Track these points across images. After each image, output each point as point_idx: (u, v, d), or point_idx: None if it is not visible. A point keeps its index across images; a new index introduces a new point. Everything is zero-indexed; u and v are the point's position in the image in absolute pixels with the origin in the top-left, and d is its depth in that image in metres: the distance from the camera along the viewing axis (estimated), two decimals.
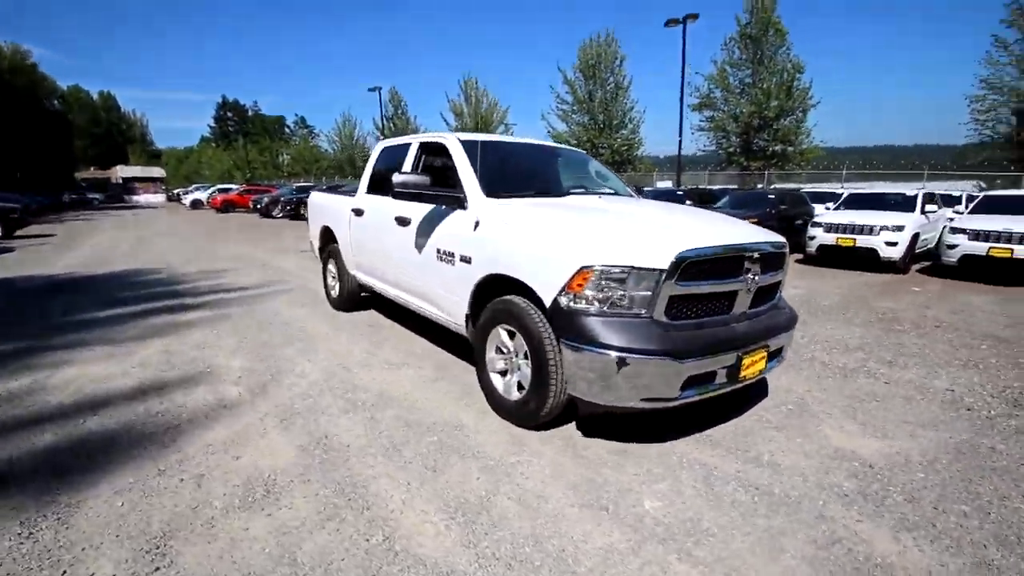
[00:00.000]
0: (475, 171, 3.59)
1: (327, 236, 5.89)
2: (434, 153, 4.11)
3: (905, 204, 9.95)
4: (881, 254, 8.80)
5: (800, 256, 9.91)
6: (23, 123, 38.19)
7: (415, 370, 3.98)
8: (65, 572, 1.87)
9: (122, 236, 15.44)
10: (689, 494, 2.40)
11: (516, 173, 4.12)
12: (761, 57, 24.26)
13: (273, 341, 4.68)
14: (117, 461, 2.63)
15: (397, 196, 4.05)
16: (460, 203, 3.52)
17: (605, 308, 2.54)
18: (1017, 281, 7.82)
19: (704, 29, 20.01)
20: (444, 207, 3.66)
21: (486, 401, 3.30)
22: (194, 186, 46.66)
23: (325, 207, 5.96)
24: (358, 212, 4.99)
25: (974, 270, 8.20)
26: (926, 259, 9.87)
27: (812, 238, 9.56)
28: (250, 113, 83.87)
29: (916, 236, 9.07)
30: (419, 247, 3.86)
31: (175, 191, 52.30)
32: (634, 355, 2.44)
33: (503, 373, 3.17)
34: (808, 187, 17.96)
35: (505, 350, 3.11)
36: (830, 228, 9.39)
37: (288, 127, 79.37)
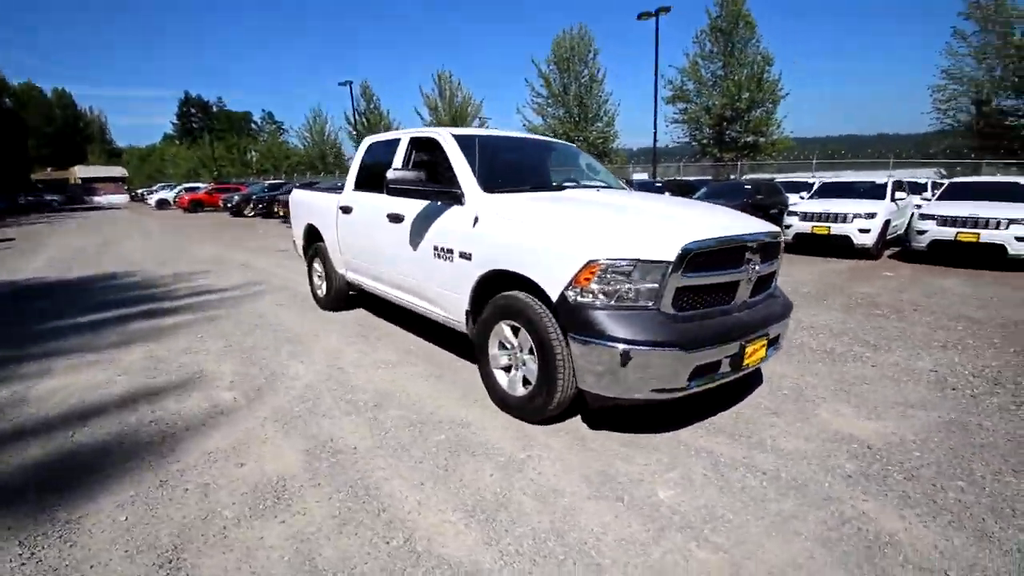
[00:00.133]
0: (471, 166, 3.56)
1: (312, 235, 5.77)
2: (425, 148, 4.05)
3: (876, 192, 10.28)
4: (855, 241, 9.08)
5: None
6: None
7: (412, 368, 3.94)
8: None
9: (88, 239, 14.82)
10: (700, 482, 2.44)
11: (511, 167, 4.10)
12: (732, 50, 24.67)
13: (262, 344, 4.57)
14: (114, 474, 2.53)
15: (391, 192, 3.98)
16: (457, 199, 3.47)
17: (612, 301, 2.55)
18: (983, 264, 8.17)
19: (677, 22, 20.09)
20: (440, 203, 3.61)
21: (489, 397, 3.29)
22: (159, 185, 45.18)
23: (309, 205, 5.82)
24: (346, 209, 4.89)
25: (942, 255, 8.53)
26: (896, 245, 10.21)
27: (788, 227, 9.79)
28: (215, 109, 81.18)
29: (887, 223, 9.37)
30: (414, 244, 3.81)
31: (139, 191, 50.51)
32: (643, 347, 2.46)
33: (507, 369, 3.16)
34: (781, 177, 18.36)
35: (509, 346, 3.10)
36: (806, 216, 9.65)
37: (255, 123, 77.08)
